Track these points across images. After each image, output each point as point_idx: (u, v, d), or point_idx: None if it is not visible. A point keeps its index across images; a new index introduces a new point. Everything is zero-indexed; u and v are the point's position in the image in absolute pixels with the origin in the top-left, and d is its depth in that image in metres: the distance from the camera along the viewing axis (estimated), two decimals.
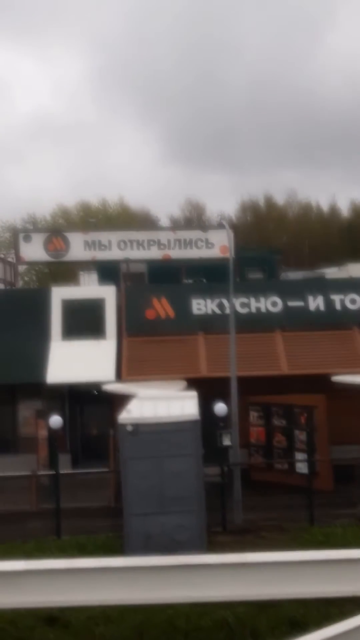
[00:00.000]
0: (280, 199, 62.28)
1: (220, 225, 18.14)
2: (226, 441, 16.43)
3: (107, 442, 21.85)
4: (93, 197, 69.41)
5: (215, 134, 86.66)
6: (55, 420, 16.86)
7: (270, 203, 61.11)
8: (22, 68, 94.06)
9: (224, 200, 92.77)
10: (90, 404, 24.37)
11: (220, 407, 16.44)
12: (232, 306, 19.20)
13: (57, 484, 16.52)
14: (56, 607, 10.45)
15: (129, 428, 14.20)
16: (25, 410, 24.52)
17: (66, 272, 39.92)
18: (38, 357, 23.34)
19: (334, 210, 61.32)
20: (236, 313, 24.03)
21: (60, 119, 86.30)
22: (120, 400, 22.69)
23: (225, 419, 16.82)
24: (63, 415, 24.29)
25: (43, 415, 22.86)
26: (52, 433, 17.28)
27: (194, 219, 59.21)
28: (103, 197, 56.62)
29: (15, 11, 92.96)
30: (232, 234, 18.47)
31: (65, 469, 23.08)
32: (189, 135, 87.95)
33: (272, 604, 10.47)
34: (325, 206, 61.44)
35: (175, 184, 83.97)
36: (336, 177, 79.74)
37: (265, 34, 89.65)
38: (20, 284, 37.89)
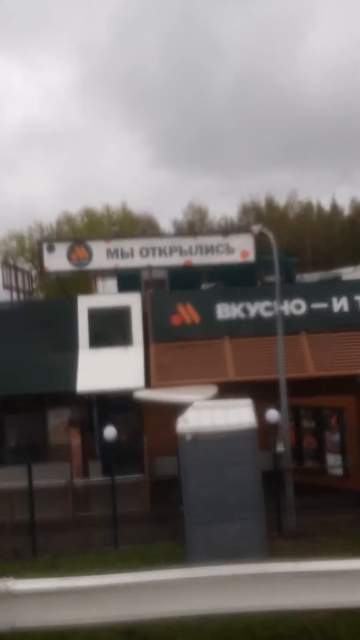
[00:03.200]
0: (280, 199, 62.79)
1: (258, 232, 18.27)
2: (280, 447, 16.61)
3: (140, 449, 22.07)
4: (91, 203, 69.95)
5: (202, 137, 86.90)
6: (110, 431, 17.01)
7: (271, 205, 61.35)
8: (11, 76, 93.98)
9: (214, 202, 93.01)
10: (117, 410, 24.48)
11: (271, 414, 16.63)
12: (280, 309, 19.42)
13: (113, 494, 16.59)
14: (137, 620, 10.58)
15: (189, 437, 14.38)
16: (55, 419, 24.69)
17: (76, 279, 39.78)
18: (66, 366, 23.50)
19: (334, 209, 61.61)
20: (260, 316, 24.39)
21: (49, 127, 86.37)
22: (149, 407, 22.96)
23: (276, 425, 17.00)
24: (91, 423, 24.63)
25: (76, 424, 23.07)
26: (108, 444, 17.38)
27: (197, 223, 59.62)
28: (107, 203, 56.89)
29: (2, 20, 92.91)
30: (274, 238, 18.58)
31: (96, 476, 23.40)
32: (177, 138, 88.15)
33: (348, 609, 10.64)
34: (326, 205, 61.92)
35: (165, 187, 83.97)
36: (325, 176, 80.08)
37: (248, 35, 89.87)
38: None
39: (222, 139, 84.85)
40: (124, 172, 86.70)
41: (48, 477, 20.99)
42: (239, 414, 14.65)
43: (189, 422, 14.62)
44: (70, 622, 10.62)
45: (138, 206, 61.65)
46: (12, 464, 23.55)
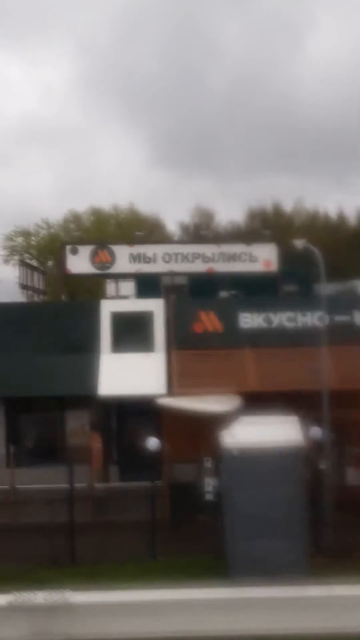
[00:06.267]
0: (284, 205, 62.90)
1: (305, 250, 18.41)
2: (322, 464, 16.69)
3: (158, 455, 22.02)
4: (87, 202, 70.24)
5: (199, 139, 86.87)
6: (154, 442, 17.04)
7: (277, 210, 61.41)
8: (9, 72, 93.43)
9: (211, 203, 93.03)
10: (136, 415, 24.46)
11: (315, 431, 16.70)
12: (325, 320, 19.43)
13: (154, 502, 16.54)
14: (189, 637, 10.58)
15: (235, 452, 14.42)
16: (73, 421, 24.63)
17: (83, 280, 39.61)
18: (87, 369, 23.48)
19: (340, 219, 61.73)
20: (283, 327, 24.46)
21: (48, 124, 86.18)
22: (167, 413, 22.93)
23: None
24: (110, 427, 24.58)
25: (97, 427, 23.05)
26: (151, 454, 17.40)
27: (203, 226, 59.65)
28: (114, 203, 56.84)
29: (2, 15, 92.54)
30: (318, 252, 18.68)
31: (114, 480, 23.41)
32: (174, 139, 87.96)
33: None
34: (332, 215, 62.06)
35: (162, 188, 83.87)
36: (320, 183, 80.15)
37: (247, 39, 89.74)
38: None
39: (219, 141, 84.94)
40: (120, 172, 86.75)
41: (64, 479, 20.96)
42: (285, 431, 14.70)
43: (236, 437, 14.66)
44: (122, 635, 10.62)
45: (134, 206, 61.52)
46: (29, 465, 23.56)
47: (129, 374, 23.18)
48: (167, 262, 26.46)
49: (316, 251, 18.77)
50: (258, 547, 14.13)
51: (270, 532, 14.28)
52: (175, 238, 57.15)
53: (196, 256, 26.58)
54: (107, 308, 24.49)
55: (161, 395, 22.39)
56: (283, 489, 14.33)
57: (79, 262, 26.13)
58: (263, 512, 14.39)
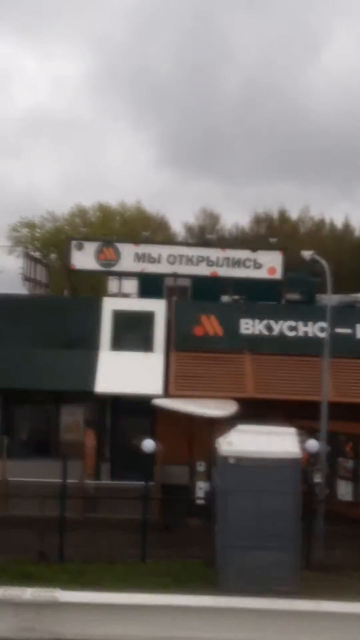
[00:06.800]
0: (290, 212, 62.84)
1: (313, 261, 18.52)
2: (317, 478, 16.68)
3: (153, 455, 21.99)
4: (91, 197, 70.25)
5: (206, 141, 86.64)
6: (149, 444, 17.03)
7: (283, 217, 61.36)
8: (24, 63, 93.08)
9: (216, 206, 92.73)
10: (131, 414, 24.45)
11: (312, 444, 16.68)
12: (330, 330, 19.36)
13: (145, 504, 16.48)
14: None
15: (232, 461, 14.40)
16: (68, 416, 24.58)
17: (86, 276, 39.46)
18: (85, 365, 23.46)
19: (346, 228, 61.67)
20: (284, 335, 24.45)
21: (58, 117, 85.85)
22: (162, 414, 22.93)
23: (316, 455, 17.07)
24: (104, 424, 24.55)
25: (91, 424, 23.03)
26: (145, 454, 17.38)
27: (208, 228, 59.62)
28: (122, 200, 56.76)
29: (19, 7, 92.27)
30: (327, 266, 18.71)
31: (105, 478, 23.39)
32: (181, 140, 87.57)
33: None
34: (338, 224, 61.97)
35: (167, 188, 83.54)
36: (326, 191, 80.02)
37: (261, 43, 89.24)
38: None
39: (227, 145, 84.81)
40: (127, 170, 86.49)
41: (56, 474, 20.91)
42: (283, 442, 14.67)
43: (233, 445, 14.62)
44: (109, 637, 10.60)
45: (141, 205, 61.41)
46: (22, 457, 23.48)
47: (126, 373, 23.18)
48: (171, 263, 26.47)
49: (323, 262, 18.77)
50: (249, 557, 14.08)
51: (262, 544, 14.21)
52: (180, 239, 57.21)
53: (201, 259, 26.59)
54: (109, 305, 24.51)
55: (158, 396, 22.40)
56: (277, 500, 14.27)
57: (84, 258, 26.15)
58: (256, 523, 14.34)
